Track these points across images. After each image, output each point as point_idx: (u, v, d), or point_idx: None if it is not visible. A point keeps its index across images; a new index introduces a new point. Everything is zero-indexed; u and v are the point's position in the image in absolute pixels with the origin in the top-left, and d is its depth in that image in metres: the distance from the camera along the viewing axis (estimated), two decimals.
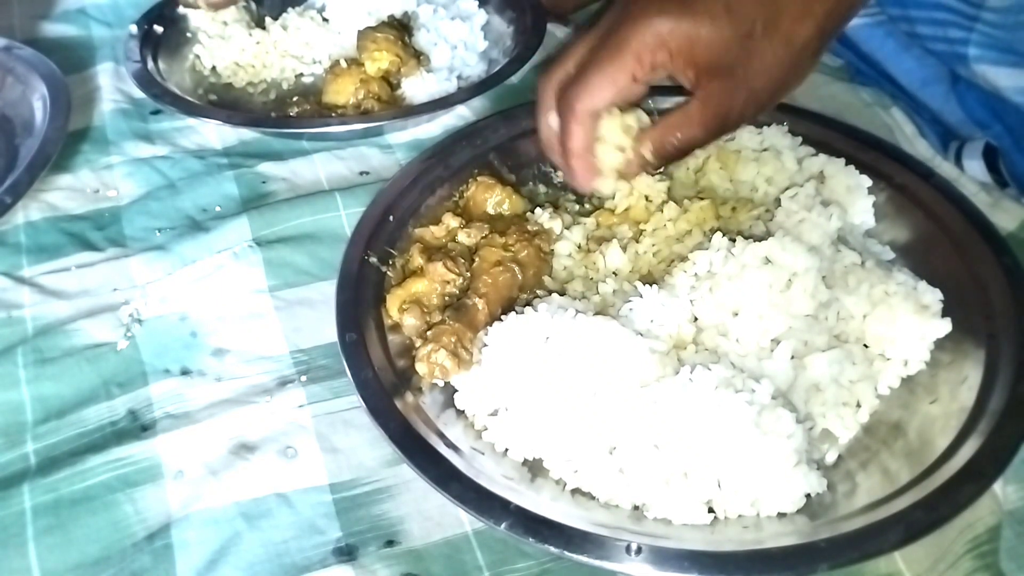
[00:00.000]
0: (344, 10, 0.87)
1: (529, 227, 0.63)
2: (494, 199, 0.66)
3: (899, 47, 0.83)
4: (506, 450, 0.52)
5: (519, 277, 0.60)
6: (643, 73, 0.55)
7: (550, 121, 0.60)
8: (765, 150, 0.67)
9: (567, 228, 0.64)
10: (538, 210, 0.65)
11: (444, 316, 0.57)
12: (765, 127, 0.68)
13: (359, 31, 0.82)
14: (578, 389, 0.51)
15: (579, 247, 0.64)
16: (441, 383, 0.55)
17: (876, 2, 0.83)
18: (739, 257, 0.56)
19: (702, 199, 0.64)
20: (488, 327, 0.57)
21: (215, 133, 0.78)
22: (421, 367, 0.55)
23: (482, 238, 0.62)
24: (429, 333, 0.56)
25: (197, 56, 0.86)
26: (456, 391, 0.55)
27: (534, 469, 0.52)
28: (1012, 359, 0.53)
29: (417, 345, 0.57)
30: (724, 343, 0.55)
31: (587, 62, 0.57)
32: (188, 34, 0.88)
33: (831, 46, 0.88)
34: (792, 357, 0.54)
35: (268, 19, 0.89)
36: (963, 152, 0.80)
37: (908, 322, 0.55)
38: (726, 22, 0.53)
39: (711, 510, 0.49)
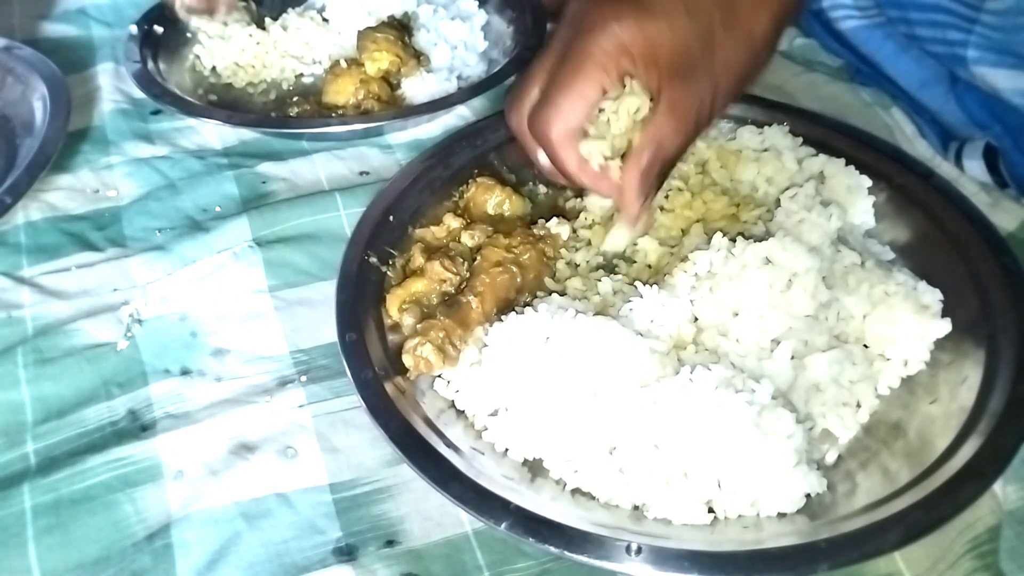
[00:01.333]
0: (344, 10, 0.87)
1: (536, 231, 0.63)
2: (494, 200, 0.66)
3: (898, 48, 0.83)
4: (506, 450, 0.52)
5: (518, 279, 0.60)
6: (611, 83, 0.55)
7: (539, 157, 0.59)
8: (766, 150, 0.67)
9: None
10: (553, 220, 0.64)
11: (437, 311, 0.57)
12: (766, 127, 0.68)
13: (359, 31, 0.82)
14: (578, 389, 0.51)
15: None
16: (430, 379, 0.55)
17: (875, 4, 0.83)
18: (739, 257, 0.56)
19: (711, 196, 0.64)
20: (482, 326, 0.57)
21: (215, 133, 0.78)
22: (407, 359, 0.55)
23: (486, 239, 0.62)
24: (419, 326, 0.56)
25: (197, 56, 0.86)
26: (457, 391, 0.55)
27: (534, 469, 0.52)
28: (1012, 359, 0.53)
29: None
30: (724, 343, 0.55)
31: (551, 83, 0.55)
32: (188, 34, 0.88)
33: (831, 45, 0.88)
34: (792, 357, 0.54)
35: (268, 19, 0.89)
36: (963, 152, 0.80)
37: (908, 322, 0.55)
38: (685, 21, 0.53)
39: (711, 510, 0.49)
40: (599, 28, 0.53)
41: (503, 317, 0.57)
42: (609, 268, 0.63)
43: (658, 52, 0.53)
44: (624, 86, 0.55)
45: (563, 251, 0.64)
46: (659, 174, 0.57)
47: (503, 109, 0.66)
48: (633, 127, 0.56)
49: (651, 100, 0.55)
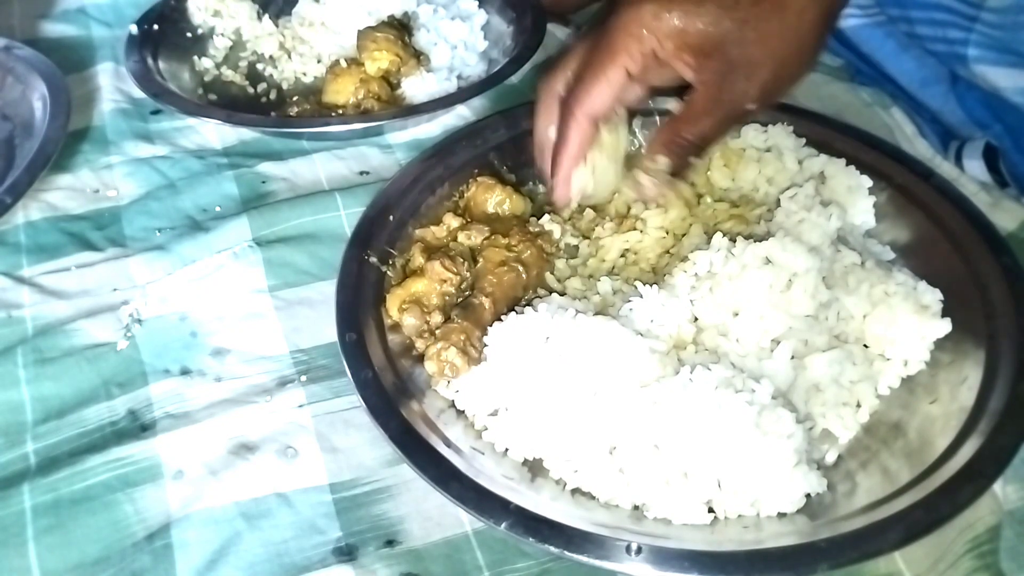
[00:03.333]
0: (344, 10, 0.87)
1: (531, 228, 0.63)
2: (494, 199, 0.66)
3: (899, 47, 0.83)
4: (506, 450, 0.52)
5: (523, 277, 0.60)
6: (636, 67, 0.55)
7: (549, 130, 0.60)
8: (768, 150, 0.67)
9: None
10: (545, 217, 0.65)
11: (453, 315, 0.57)
12: (770, 125, 0.68)
13: (359, 31, 0.82)
14: (578, 389, 0.51)
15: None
16: (447, 382, 0.55)
17: (876, 3, 0.83)
18: (739, 257, 0.56)
19: (719, 200, 0.64)
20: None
21: (215, 133, 0.78)
22: (431, 365, 0.55)
23: (484, 239, 0.62)
24: (438, 331, 0.56)
25: (197, 56, 0.86)
26: (457, 391, 0.55)
27: (534, 469, 0.52)
28: (1012, 359, 0.53)
29: (418, 345, 0.57)
30: (724, 343, 0.55)
31: (582, 65, 0.57)
32: (188, 34, 0.88)
33: (831, 45, 0.88)
34: (792, 357, 0.54)
35: (266, 19, 0.89)
36: (963, 152, 0.80)
37: (908, 322, 0.55)
38: (718, 7, 0.53)
39: (711, 510, 0.49)
40: (627, 10, 0.54)
41: (503, 317, 0.57)
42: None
43: (686, 31, 0.53)
44: (649, 67, 0.55)
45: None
46: (684, 159, 0.58)
47: (503, 109, 0.67)
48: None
49: (649, 116, 0.57)
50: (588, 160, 0.60)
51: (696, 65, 0.55)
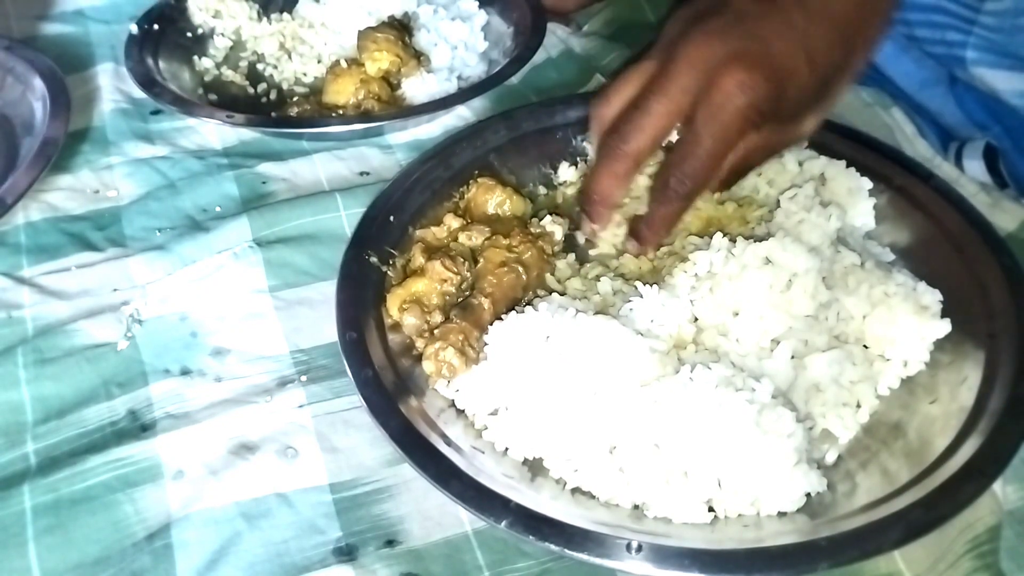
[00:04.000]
0: (344, 10, 0.87)
1: (532, 229, 0.63)
2: (495, 200, 0.66)
3: (898, 49, 0.83)
4: (506, 449, 0.52)
5: (523, 278, 0.60)
6: (680, 118, 0.54)
7: (621, 192, 0.58)
8: None
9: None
10: (547, 218, 0.65)
11: (451, 315, 0.57)
12: None
13: (359, 31, 0.82)
14: (578, 389, 0.51)
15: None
16: (446, 382, 0.55)
17: None
18: (739, 257, 0.56)
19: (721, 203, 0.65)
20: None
21: (215, 133, 0.78)
22: (428, 365, 0.55)
23: (485, 240, 0.62)
24: (436, 331, 0.56)
25: (197, 56, 0.86)
26: (457, 390, 0.55)
27: (534, 468, 0.52)
28: (1012, 359, 0.53)
29: (419, 345, 0.57)
30: (724, 343, 0.55)
31: (637, 104, 0.54)
32: (188, 34, 0.88)
33: None
34: (792, 357, 0.54)
35: (267, 18, 0.89)
36: (963, 152, 0.80)
37: (908, 323, 0.56)
38: (805, 66, 0.52)
39: (711, 509, 0.49)
40: (684, 62, 0.52)
41: (502, 317, 0.57)
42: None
43: (780, 80, 0.52)
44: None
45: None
46: (732, 178, 0.58)
47: (503, 109, 0.67)
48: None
49: None
50: None
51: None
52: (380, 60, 0.80)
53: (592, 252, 0.65)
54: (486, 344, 0.56)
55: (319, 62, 0.86)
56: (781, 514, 0.49)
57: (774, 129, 0.55)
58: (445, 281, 0.59)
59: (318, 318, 0.61)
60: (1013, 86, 0.73)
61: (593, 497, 0.50)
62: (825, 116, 0.58)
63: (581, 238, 0.65)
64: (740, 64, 0.51)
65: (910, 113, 0.79)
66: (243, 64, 0.87)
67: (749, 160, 0.57)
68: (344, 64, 0.80)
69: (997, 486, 0.48)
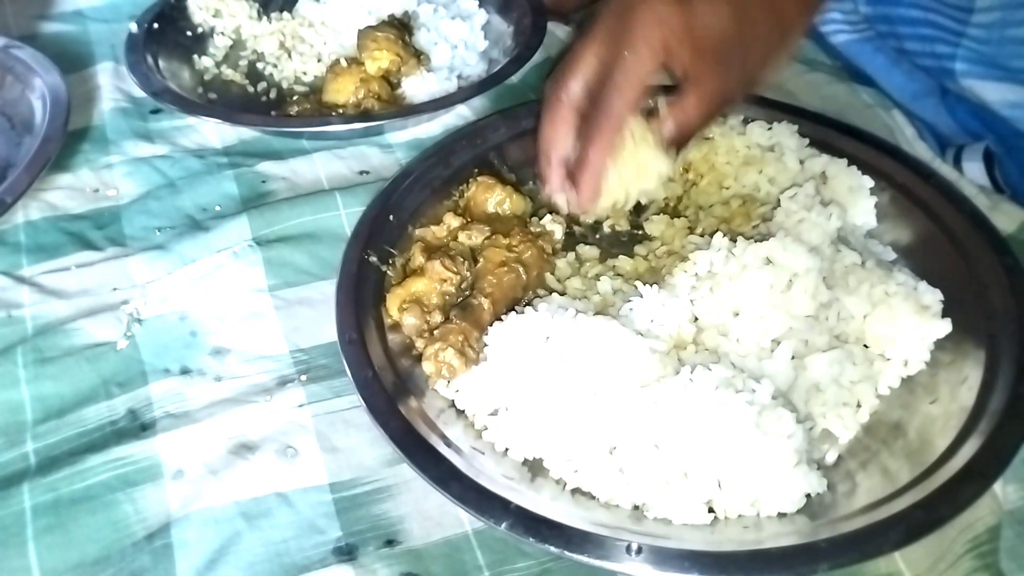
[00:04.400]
0: (344, 10, 0.87)
1: (532, 228, 0.63)
2: (495, 199, 0.66)
3: (888, 62, 0.83)
4: (506, 450, 0.52)
5: (523, 277, 0.60)
6: (658, 64, 0.55)
7: (564, 136, 0.58)
8: (771, 149, 0.67)
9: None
10: (547, 217, 0.65)
11: (451, 315, 0.57)
12: (775, 124, 0.68)
13: (359, 30, 0.82)
14: (578, 389, 0.51)
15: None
16: (445, 382, 0.55)
17: (864, 19, 0.84)
18: (740, 257, 0.56)
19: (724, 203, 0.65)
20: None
21: (215, 132, 0.78)
22: (428, 366, 0.55)
23: (485, 239, 0.62)
24: (436, 332, 0.56)
25: (197, 55, 0.86)
26: (457, 390, 0.55)
27: (534, 469, 0.52)
28: (1012, 359, 0.53)
29: (419, 345, 0.57)
30: (724, 343, 0.55)
31: (608, 68, 0.56)
32: (188, 33, 0.88)
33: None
34: (792, 357, 0.54)
35: (267, 17, 0.89)
36: (962, 155, 0.80)
37: (908, 322, 0.55)
38: (727, 6, 0.54)
39: (711, 510, 0.49)
40: (644, 9, 0.54)
41: (502, 317, 0.57)
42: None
43: (694, 34, 0.54)
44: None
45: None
46: (676, 145, 0.58)
47: (503, 108, 0.66)
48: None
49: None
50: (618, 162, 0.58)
51: (696, 65, 0.55)
52: (380, 59, 0.80)
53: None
54: (486, 344, 0.56)
55: (319, 61, 0.86)
56: (781, 515, 0.49)
57: (704, 71, 0.55)
58: (445, 281, 0.59)
59: (318, 317, 0.61)
60: (1003, 97, 0.73)
61: (593, 498, 0.50)
62: (760, 74, 0.58)
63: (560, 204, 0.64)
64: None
65: (910, 115, 0.79)
66: (243, 63, 0.87)
67: (686, 112, 0.57)
68: (344, 63, 0.80)
69: (997, 486, 0.48)
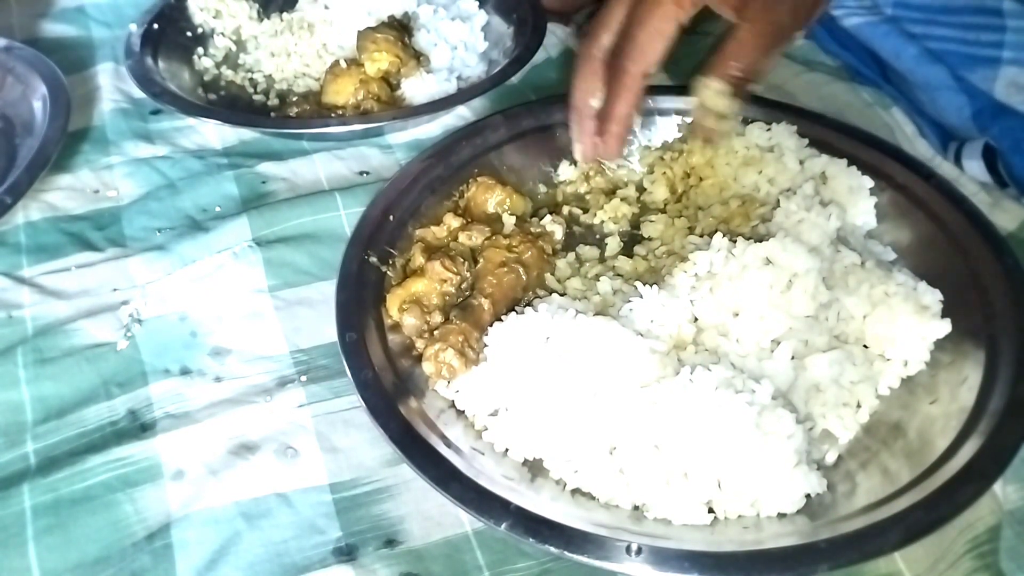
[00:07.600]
0: (344, 10, 0.87)
1: (532, 229, 0.63)
2: (495, 199, 0.66)
3: (898, 46, 0.83)
4: (506, 450, 0.52)
5: (523, 278, 0.60)
6: (685, 15, 0.56)
7: (593, 93, 0.61)
8: (771, 149, 0.67)
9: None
10: (547, 217, 0.65)
11: (451, 316, 0.57)
12: (774, 124, 0.68)
13: (359, 31, 0.82)
14: (578, 389, 0.51)
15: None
16: (445, 383, 0.55)
17: (873, 3, 0.83)
18: (740, 258, 0.56)
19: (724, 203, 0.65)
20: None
21: (215, 133, 0.78)
22: (428, 366, 0.55)
23: (485, 239, 0.62)
24: (436, 332, 0.56)
25: (197, 56, 0.86)
26: (457, 391, 0.55)
27: (534, 469, 0.52)
28: (1012, 359, 0.53)
29: (419, 345, 0.57)
30: (724, 343, 0.55)
31: (630, 23, 0.58)
32: (188, 34, 0.88)
33: (830, 47, 0.88)
34: (792, 358, 0.54)
35: (267, 18, 0.89)
36: (963, 152, 0.80)
37: (908, 323, 0.55)
38: None
39: (711, 510, 0.49)
40: None
41: (502, 317, 0.57)
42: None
43: None
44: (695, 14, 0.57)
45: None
46: (742, 85, 0.59)
47: (503, 109, 0.66)
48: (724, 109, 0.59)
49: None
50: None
51: (744, 5, 0.56)
52: (380, 60, 0.79)
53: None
54: (486, 345, 0.56)
55: (319, 61, 0.86)
56: (781, 515, 0.49)
57: (753, 4, 0.56)
58: (445, 281, 0.59)
59: (318, 318, 0.61)
60: None
61: (593, 498, 0.50)
62: (812, 5, 0.59)
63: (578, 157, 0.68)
64: None
65: (910, 113, 0.79)
66: (243, 64, 0.87)
67: (744, 48, 0.57)
68: (344, 64, 0.80)
69: (997, 486, 0.48)
